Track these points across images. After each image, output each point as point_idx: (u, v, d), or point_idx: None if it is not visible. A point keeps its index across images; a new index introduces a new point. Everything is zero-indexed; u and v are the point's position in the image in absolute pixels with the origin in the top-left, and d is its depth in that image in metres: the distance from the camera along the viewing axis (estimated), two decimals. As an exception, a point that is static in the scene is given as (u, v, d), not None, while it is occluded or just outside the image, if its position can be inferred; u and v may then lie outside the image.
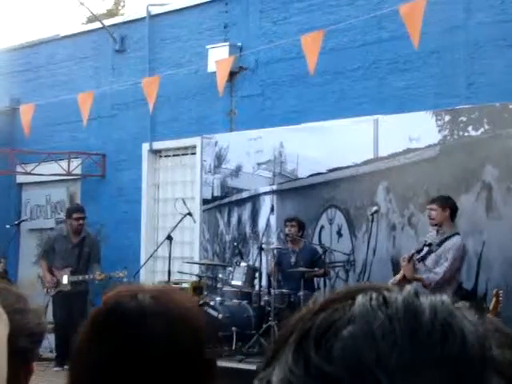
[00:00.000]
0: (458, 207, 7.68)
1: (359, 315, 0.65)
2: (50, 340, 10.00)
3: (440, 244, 7.46)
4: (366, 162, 9.13)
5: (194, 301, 1.47)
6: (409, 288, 0.68)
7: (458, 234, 7.61)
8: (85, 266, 10.03)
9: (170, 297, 1.37)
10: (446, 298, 0.68)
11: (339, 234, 9.41)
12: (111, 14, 21.57)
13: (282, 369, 0.65)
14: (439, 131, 8.56)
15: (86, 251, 10.09)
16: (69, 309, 9.88)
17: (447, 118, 8.52)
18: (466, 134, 8.37)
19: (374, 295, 0.67)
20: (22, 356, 1.56)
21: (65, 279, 9.91)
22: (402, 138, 8.76)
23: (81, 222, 10.12)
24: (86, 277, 9.91)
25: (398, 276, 7.57)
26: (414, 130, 8.69)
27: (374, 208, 8.43)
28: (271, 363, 0.67)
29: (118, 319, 1.33)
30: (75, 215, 10.14)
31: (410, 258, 7.39)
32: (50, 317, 10.80)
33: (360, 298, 0.67)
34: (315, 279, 9.05)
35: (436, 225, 7.53)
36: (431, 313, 0.65)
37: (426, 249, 7.43)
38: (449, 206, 7.55)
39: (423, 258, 7.48)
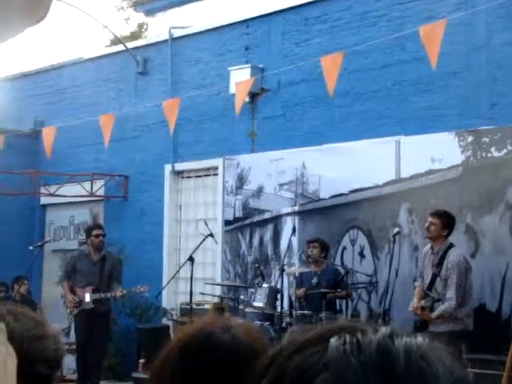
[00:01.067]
0: (454, 222, 7.70)
1: (332, 362, 0.63)
2: (73, 361, 10.02)
3: (439, 264, 7.44)
4: (388, 183, 9.10)
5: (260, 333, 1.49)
6: (383, 330, 0.65)
7: (452, 245, 7.59)
8: (106, 285, 10.01)
9: (255, 331, 1.38)
10: (420, 339, 0.65)
11: (361, 255, 9.37)
12: (134, 36, 21.77)
13: None
14: (462, 152, 8.52)
15: (107, 269, 10.07)
16: (90, 329, 9.86)
17: (470, 138, 8.48)
18: (489, 154, 8.32)
19: (348, 338, 0.64)
20: (41, 382, 1.56)
21: (87, 297, 9.92)
22: (424, 158, 8.73)
23: (101, 238, 10.12)
24: (108, 295, 9.91)
25: (415, 300, 7.56)
26: (436, 151, 8.65)
27: (396, 229, 8.39)
28: None
29: (213, 349, 1.32)
30: (95, 232, 10.18)
31: (423, 308, 7.42)
32: (73, 337, 10.85)
33: (333, 342, 0.64)
34: (337, 300, 9.00)
35: (431, 238, 7.56)
36: (406, 359, 0.62)
37: (430, 300, 7.45)
38: (450, 225, 7.57)
39: (430, 288, 7.47)
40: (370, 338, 0.64)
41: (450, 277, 7.35)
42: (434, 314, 7.41)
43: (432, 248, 7.65)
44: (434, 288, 7.47)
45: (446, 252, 7.51)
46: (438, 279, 7.43)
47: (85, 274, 10.07)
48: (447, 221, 7.60)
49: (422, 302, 7.52)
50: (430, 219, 7.63)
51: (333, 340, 0.64)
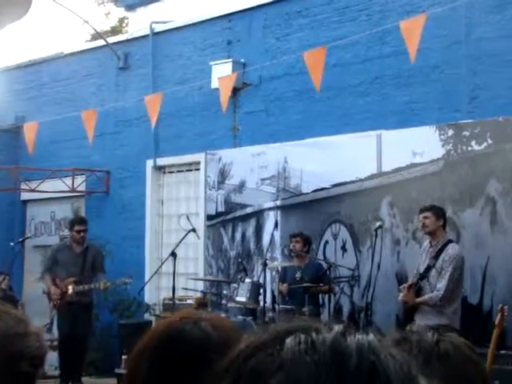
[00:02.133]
0: (446, 214, 7.77)
1: (287, 361, 0.64)
2: (56, 357, 9.99)
3: (436, 256, 7.48)
4: (369, 177, 9.14)
5: (240, 329, 1.49)
6: (337, 328, 0.67)
7: (451, 241, 7.65)
8: (89, 276, 9.93)
9: (225, 325, 1.38)
10: (372, 337, 0.67)
11: (344, 249, 9.40)
12: (115, 31, 21.67)
13: None
14: (443, 146, 8.56)
15: (89, 260, 10.00)
16: (73, 322, 9.81)
17: (450, 132, 8.53)
18: (470, 148, 8.37)
19: (303, 338, 0.66)
20: (24, 380, 1.56)
21: (70, 289, 9.86)
22: (405, 152, 8.77)
23: (82, 234, 10.05)
24: (92, 286, 9.83)
25: (400, 298, 7.60)
26: (417, 145, 8.70)
27: (378, 223, 8.42)
28: None
29: (182, 345, 1.33)
30: (76, 227, 10.11)
31: (410, 287, 7.45)
32: (55, 333, 10.81)
33: (288, 342, 0.66)
34: (320, 295, 9.03)
35: (429, 233, 7.59)
36: (358, 356, 0.64)
37: (420, 280, 7.50)
38: (442, 215, 7.63)
39: (423, 277, 7.51)
40: (324, 336, 0.66)
41: (445, 269, 7.39)
42: (419, 299, 7.43)
43: (430, 242, 7.65)
44: (427, 279, 7.49)
45: (444, 246, 7.54)
46: (434, 271, 7.46)
47: (66, 265, 10.01)
48: (438, 212, 7.66)
49: (410, 280, 7.56)
50: (421, 216, 7.66)
51: (288, 340, 0.66)
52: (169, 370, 1.31)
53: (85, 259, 9.99)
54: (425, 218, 7.60)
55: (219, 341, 1.33)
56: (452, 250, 7.52)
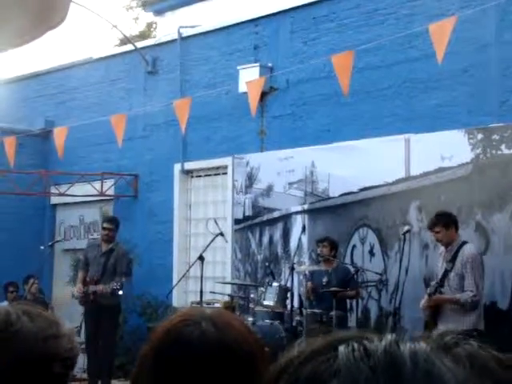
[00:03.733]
0: (456, 217, 7.71)
1: (343, 368, 0.66)
2: (83, 360, 10.05)
3: (453, 260, 7.44)
4: (397, 181, 9.10)
5: (248, 327, 1.47)
6: (389, 337, 0.69)
7: (465, 242, 7.59)
8: (110, 277, 9.86)
9: (231, 325, 1.38)
10: (424, 344, 0.69)
11: (371, 253, 9.36)
12: (143, 36, 21.80)
13: None
14: (472, 150, 8.50)
15: (111, 262, 9.99)
16: (96, 323, 9.85)
17: (480, 136, 8.46)
18: (499, 152, 8.30)
19: (356, 346, 0.68)
20: (57, 381, 1.57)
21: (90, 288, 9.91)
22: (433, 156, 8.71)
23: (107, 232, 10.09)
24: (99, 287, 9.75)
25: (422, 303, 7.58)
26: (446, 149, 8.64)
27: (406, 227, 8.38)
28: None
29: (182, 351, 1.33)
30: (104, 225, 10.26)
31: (429, 295, 7.43)
32: (83, 337, 10.88)
33: (342, 350, 0.68)
34: (348, 299, 9.00)
35: (446, 245, 7.55)
36: (412, 362, 0.66)
37: (439, 287, 7.47)
38: (451, 222, 7.59)
39: (441, 285, 7.47)
40: (377, 344, 0.68)
41: (467, 270, 7.34)
42: (447, 296, 7.39)
43: (446, 246, 7.64)
44: (447, 284, 7.46)
45: (459, 248, 7.51)
46: (452, 274, 7.41)
47: (92, 263, 10.09)
48: (446, 220, 7.59)
49: (427, 290, 7.54)
50: (431, 232, 7.67)
51: (341, 348, 0.68)
52: (171, 373, 1.31)
53: (107, 260, 10.00)
54: (436, 233, 7.60)
55: (220, 341, 1.33)
56: (468, 251, 7.48)
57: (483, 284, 7.54)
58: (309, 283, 8.89)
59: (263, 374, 1.34)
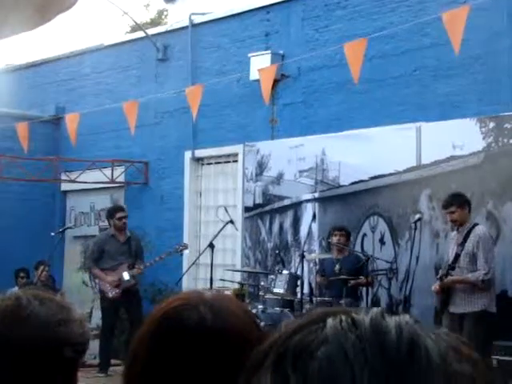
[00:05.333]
0: (468, 198, 7.76)
1: (331, 336, 0.70)
2: (95, 346, 10.09)
3: (464, 242, 7.44)
4: (408, 170, 9.07)
5: (249, 313, 1.47)
6: (375, 310, 0.73)
7: (476, 224, 7.61)
8: (134, 263, 10.22)
9: (230, 310, 1.37)
10: (408, 317, 0.72)
11: (382, 241, 9.35)
12: (154, 23, 21.77)
13: None
14: (483, 138, 8.46)
15: (133, 249, 10.28)
16: (116, 314, 10.10)
17: (491, 124, 8.42)
18: (511, 141, 8.26)
19: (344, 317, 0.71)
20: (68, 366, 1.58)
21: (126, 275, 10.07)
22: (445, 145, 8.68)
23: (124, 220, 10.25)
24: (143, 265, 10.19)
25: (434, 287, 7.58)
26: (457, 137, 8.60)
27: (417, 216, 8.37)
28: (247, 379, 0.72)
29: (178, 334, 1.32)
30: (118, 215, 10.29)
31: (441, 279, 7.43)
32: (94, 323, 10.94)
33: (331, 321, 0.71)
34: (359, 287, 9.00)
35: (460, 225, 7.56)
36: (397, 332, 0.69)
37: (451, 270, 7.47)
38: (465, 202, 7.63)
39: (453, 268, 7.47)
40: (364, 316, 0.72)
41: (479, 249, 7.37)
42: (459, 277, 7.40)
43: (457, 229, 7.66)
44: (458, 266, 7.46)
45: (471, 229, 7.52)
46: (463, 255, 7.41)
47: (114, 255, 10.18)
48: (461, 200, 7.63)
49: (451, 260, 7.54)
50: (447, 212, 7.68)
51: (329, 319, 0.72)
52: (166, 356, 1.30)
53: (130, 247, 10.23)
54: (451, 213, 7.61)
55: (217, 327, 1.32)
56: (479, 231, 7.52)
57: (494, 264, 7.54)
58: (322, 278, 8.88)
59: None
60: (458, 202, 7.60)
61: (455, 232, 7.74)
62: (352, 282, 8.57)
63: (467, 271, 7.43)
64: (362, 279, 8.66)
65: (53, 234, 10.97)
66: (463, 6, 7.90)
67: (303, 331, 0.71)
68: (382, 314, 0.72)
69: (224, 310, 1.35)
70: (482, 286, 7.31)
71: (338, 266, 8.80)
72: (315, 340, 0.69)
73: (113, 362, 10.54)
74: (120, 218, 10.23)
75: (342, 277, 8.52)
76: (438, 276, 7.61)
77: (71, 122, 11.48)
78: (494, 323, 7.39)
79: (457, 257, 7.50)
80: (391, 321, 0.71)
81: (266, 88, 9.24)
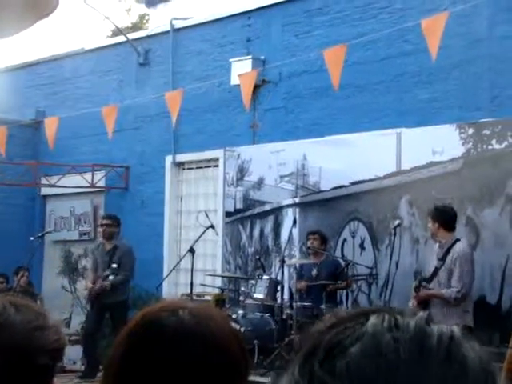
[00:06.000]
0: (452, 215, 7.65)
1: (368, 334, 0.68)
2: (74, 351, 10.04)
3: (444, 257, 7.46)
4: (388, 175, 9.11)
5: (228, 320, 1.47)
6: (421, 314, 0.70)
7: (458, 240, 7.61)
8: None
9: (210, 316, 1.36)
10: (455, 328, 0.70)
11: (362, 247, 9.38)
12: (136, 27, 21.73)
13: (288, 379, 0.69)
14: (463, 144, 8.51)
15: (115, 260, 9.98)
16: (100, 320, 9.92)
17: (471, 131, 8.48)
18: (490, 147, 8.32)
19: (387, 317, 0.69)
20: (43, 373, 1.57)
21: (96, 285, 9.92)
22: (425, 151, 8.73)
23: (104, 228, 10.16)
24: (98, 285, 9.83)
25: (411, 303, 7.59)
26: (437, 143, 8.65)
27: (397, 221, 8.40)
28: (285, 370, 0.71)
29: (156, 333, 1.32)
30: (101, 221, 10.40)
31: (415, 290, 7.46)
32: (73, 328, 10.87)
33: (373, 319, 0.69)
34: (338, 292, 9.02)
35: (440, 241, 7.58)
36: (438, 338, 0.67)
37: (423, 283, 7.49)
38: (438, 217, 7.58)
39: (429, 281, 7.49)
40: (408, 319, 0.69)
41: (456, 266, 7.38)
42: (433, 292, 7.42)
43: (440, 242, 7.65)
44: (437, 280, 7.48)
45: (452, 246, 7.52)
46: (442, 270, 7.43)
47: (99, 263, 10.11)
48: (434, 214, 7.60)
49: (413, 284, 7.56)
50: (429, 225, 7.70)
51: (372, 317, 0.69)
52: (143, 356, 1.29)
53: (112, 257, 10.00)
54: (428, 222, 7.65)
55: (196, 330, 1.31)
56: (459, 247, 7.51)
57: (472, 281, 7.55)
58: (303, 283, 8.88)
59: (240, 367, 1.34)
60: (431, 215, 7.62)
61: (437, 244, 7.73)
62: (330, 287, 8.58)
63: (444, 286, 7.45)
64: (340, 283, 8.68)
65: (32, 238, 10.90)
66: (443, 12, 7.94)
67: (341, 326, 0.70)
68: (427, 321, 0.70)
69: (204, 314, 1.35)
70: (455, 303, 7.34)
71: (315, 271, 8.81)
72: (351, 336, 0.68)
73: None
74: (101, 225, 10.21)
75: (322, 282, 8.53)
76: (413, 286, 7.61)
77: (50, 126, 11.41)
78: (472, 336, 7.40)
79: (435, 271, 7.52)
80: (435, 329, 0.69)
81: (246, 93, 9.25)
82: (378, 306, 0.74)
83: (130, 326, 1.35)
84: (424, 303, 7.48)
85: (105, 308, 9.86)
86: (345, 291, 9.10)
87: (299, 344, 0.72)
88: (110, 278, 9.79)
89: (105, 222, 10.23)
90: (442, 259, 7.48)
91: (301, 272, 9.09)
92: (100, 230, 10.30)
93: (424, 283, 7.46)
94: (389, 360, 0.65)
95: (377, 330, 0.68)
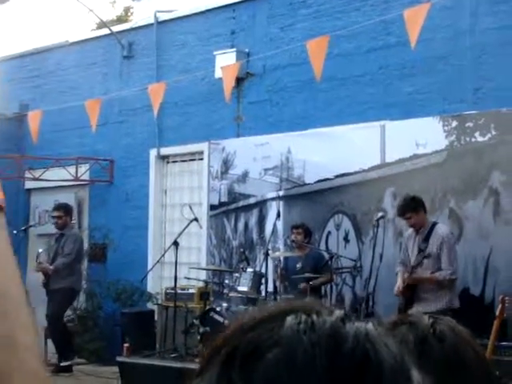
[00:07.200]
0: (422, 199, 7.72)
1: (285, 339, 0.66)
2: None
3: (425, 241, 7.50)
4: (372, 168, 9.12)
5: None
6: (338, 313, 0.69)
7: (435, 223, 7.66)
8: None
9: None
10: (370, 325, 0.69)
11: (346, 239, 9.39)
12: (121, 20, 21.63)
13: None
14: (446, 137, 8.54)
15: (60, 246, 10.41)
16: (48, 305, 10.28)
17: (454, 123, 8.50)
18: (473, 139, 8.34)
19: (303, 318, 0.68)
20: None
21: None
22: (408, 143, 8.75)
23: (56, 220, 10.53)
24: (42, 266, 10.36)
25: (399, 283, 7.61)
26: (420, 136, 8.67)
27: (380, 214, 8.42)
28: (200, 375, 0.69)
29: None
30: (52, 213, 10.73)
31: (412, 267, 7.48)
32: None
33: (289, 320, 0.68)
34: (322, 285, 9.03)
35: (419, 228, 7.60)
36: (353, 342, 0.66)
37: (421, 255, 7.51)
38: (419, 205, 7.64)
39: (421, 264, 7.52)
40: (324, 319, 0.68)
41: (443, 250, 7.42)
42: (426, 276, 7.45)
43: (416, 230, 7.69)
44: (421, 266, 7.51)
45: (431, 229, 7.56)
46: (427, 256, 7.46)
47: (49, 250, 10.67)
48: (414, 204, 7.65)
49: (413, 260, 7.56)
50: (403, 218, 7.72)
51: (289, 318, 0.68)
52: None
53: (58, 244, 10.44)
54: (407, 219, 7.66)
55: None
56: (441, 230, 7.56)
57: (457, 263, 7.61)
58: (279, 269, 8.91)
59: None
60: (411, 208, 7.64)
61: (411, 230, 7.78)
62: (313, 281, 8.57)
63: (429, 272, 7.48)
64: (324, 277, 8.70)
65: (15, 232, 10.86)
66: (424, 4, 7.95)
67: (260, 328, 0.68)
68: (343, 319, 0.68)
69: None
70: (448, 284, 7.39)
71: (299, 264, 8.82)
72: (268, 340, 0.66)
73: (77, 361, 10.50)
74: (53, 217, 10.66)
75: (306, 275, 8.54)
76: (398, 271, 7.65)
77: (33, 119, 11.36)
78: (458, 319, 7.44)
79: (419, 255, 7.55)
80: (351, 328, 0.67)
81: (227, 85, 9.23)
82: (297, 303, 0.73)
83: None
84: (409, 293, 7.52)
85: (52, 294, 10.22)
86: (329, 284, 9.11)
87: (215, 341, 0.71)
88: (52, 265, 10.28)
89: (54, 214, 10.60)
90: (425, 243, 7.52)
91: (286, 265, 9.09)
92: (52, 221, 10.63)
93: (414, 270, 7.49)
94: (303, 368, 0.64)
95: (293, 334, 0.66)
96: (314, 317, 0.68)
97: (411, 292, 7.54)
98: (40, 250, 10.58)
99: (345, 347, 0.65)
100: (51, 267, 10.18)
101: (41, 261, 10.44)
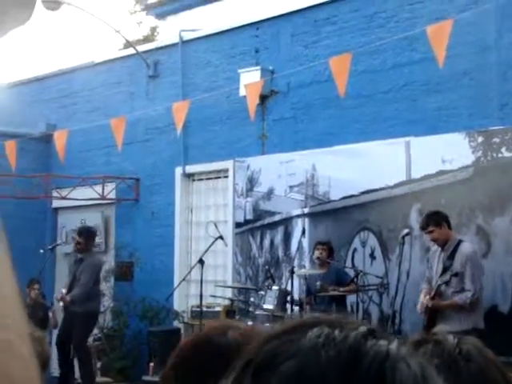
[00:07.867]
0: (447, 215, 7.66)
1: (302, 351, 0.65)
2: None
3: (450, 259, 7.42)
4: (398, 184, 9.07)
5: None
6: (361, 329, 0.67)
7: (461, 241, 7.58)
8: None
9: (249, 333, 1.41)
10: (393, 344, 0.66)
11: (372, 256, 9.33)
12: (147, 40, 21.82)
13: None
14: (472, 153, 8.47)
15: (78, 272, 10.25)
16: (67, 330, 10.14)
17: (480, 139, 8.43)
18: (500, 155, 8.27)
19: (325, 332, 0.66)
20: None
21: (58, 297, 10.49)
22: (434, 159, 8.69)
23: (76, 244, 10.41)
24: (59, 296, 10.35)
25: (421, 300, 7.54)
26: (446, 152, 8.61)
27: (406, 231, 8.36)
28: (225, 378, 0.69)
29: (207, 353, 1.37)
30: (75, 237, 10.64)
31: (432, 295, 7.39)
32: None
33: (310, 333, 0.66)
34: (348, 301, 8.97)
35: (443, 243, 7.53)
36: (370, 362, 0.64)
37: (448, 273, 7.42)
38: (442, 219, 7.57)
39: (446, 283, 7.44)
40: (346, 334, 0.66)
41: (466, 268, 7.33)
42: (446, 302, 7.36)
43: (442, 248, 7.62)
44: (447, 285, 7.43)
45: (456, 246, 7.49)
46: (452, 274, 7.38)
47: (69, 273, 10.65)
48: (436, 218, 7.58)
49: (439, 279, 7.47)
50: (425, 232, 7.66)
51: (311, 331, 0.66)
52: (194, 373, 1.35)
53: (76, 270, 10.30)
54: (429, 233, 7.58)
55: (241, 345, 1.34)
56: (465, 249, 7.48)
57: (482, 281, 7.52)
58: (308, 297, 8.88)
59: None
60: (433, 221, 7.57)
61: (436, 246, 7.71)
62: (338, 291, 8.51)
63: (454, 290, 7.40)
64: (346, 288, 8.64)
65: (42, 250, 10.94)
66: (448, 20, 7.91)
67: (281, 339, 0.67)
68: (365, 336, 0.66)
69: (252, 333, 1.43)
70: (470, 307, 7.30)
71: (319, 282, 8.78)
72: (286, 352, 0.65)
73: (103, 380, 10.53)
74: (75, 240, 10.56)
75: (331, 292, 8.48)
76: (429, 296, 7.54)
77: (60, 138, 11.46)
78: (483, 339, 7.35)
79: (444, 272, 7.47)
80: (371, 347, 0.65)
81: (252, 103, 9.24)
82: (323, 317, 0.70)
83: (181, 347, 1.46)
84: (433, 312, 7.44)
85: (71, 316, 10.11)
86: (355, 300, 9.04)
87: (245, 351, 0.70)
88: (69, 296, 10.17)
89: (77, 238, 10.48)
90: (449, 260, 7.44)
91: (307, 283, 9.07)
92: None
93: (443, 287, 7.40)
94: (316, 381, 0.63)
95: (311, 347, 0.65)
96: (337, 331, 0.66)
97: (434, 312, 7.46)
98: (63, 291, 10.43)
99: (360, 367, 0.63)
100: (68, 299, 10.07)
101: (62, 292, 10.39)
